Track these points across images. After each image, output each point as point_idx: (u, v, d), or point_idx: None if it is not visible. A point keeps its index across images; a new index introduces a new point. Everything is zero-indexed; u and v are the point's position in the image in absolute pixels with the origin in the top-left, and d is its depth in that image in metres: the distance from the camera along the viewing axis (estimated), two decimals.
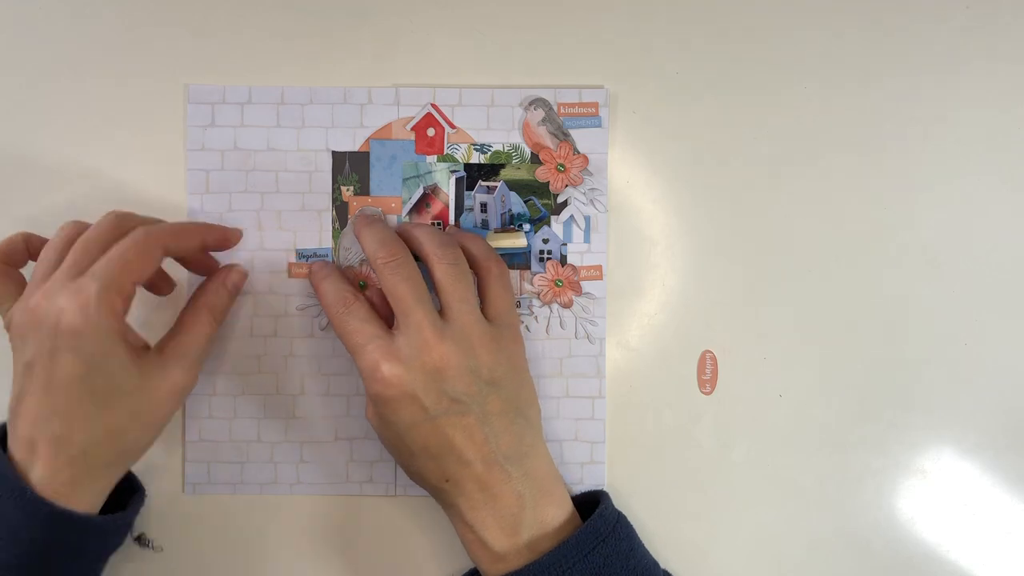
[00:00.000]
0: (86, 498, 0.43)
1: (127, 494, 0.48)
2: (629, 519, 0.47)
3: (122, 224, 0.44)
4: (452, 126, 0.52)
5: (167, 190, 0.52)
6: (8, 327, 0.44)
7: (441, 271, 0.46)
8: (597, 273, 0.52)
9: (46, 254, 0.44)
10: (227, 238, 0.50)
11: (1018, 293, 0.52)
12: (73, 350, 0.41)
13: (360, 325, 0.45)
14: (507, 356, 0.47)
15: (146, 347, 0.45)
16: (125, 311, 0.43)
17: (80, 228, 0.45)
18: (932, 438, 0.52)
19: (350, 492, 0.52)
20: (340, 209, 0.52)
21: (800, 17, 0.52)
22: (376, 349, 0.44)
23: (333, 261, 0.52)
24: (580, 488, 0.52)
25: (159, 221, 0.47)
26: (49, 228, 0.52)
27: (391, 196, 0.52)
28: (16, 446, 0.42)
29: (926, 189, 0.52)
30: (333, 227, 0.52)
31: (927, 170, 0.52)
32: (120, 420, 0.43)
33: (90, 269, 0.42)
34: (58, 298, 0.41)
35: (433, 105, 0.52)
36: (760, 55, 0.52)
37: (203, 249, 0.49)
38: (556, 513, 0.46)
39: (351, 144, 0.52)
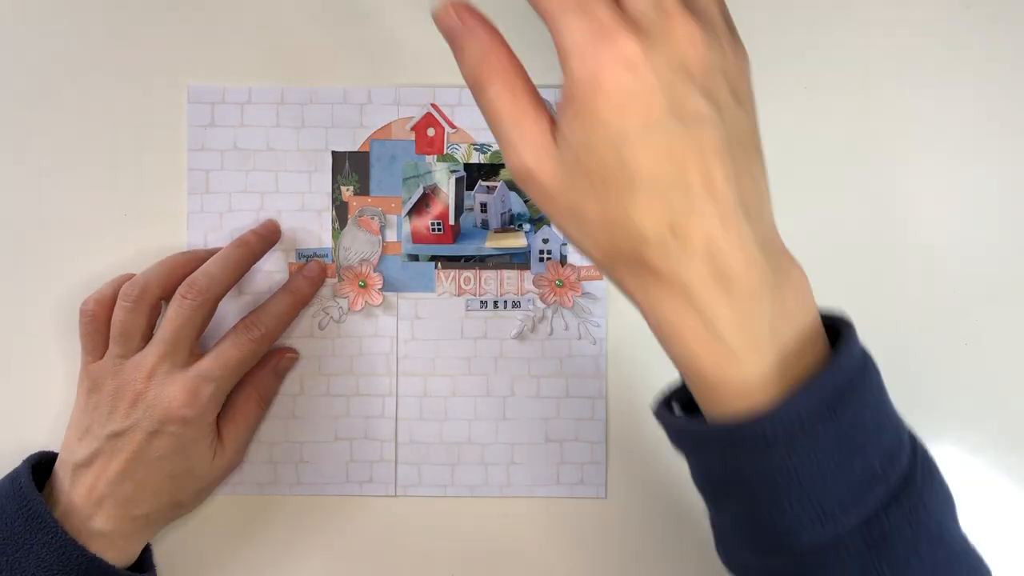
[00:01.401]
0: (132, 550, 0.47)
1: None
2: (630, 519, 0.47)
3: (204, 299, 0.47)
4: (452, 126, 0.52)
5: (167, 190, 0.52)
6: (92, 387, 0.47)
7: None
8: (597, 273, 0.52)
9: (129, 321, 0.47)
10: (272, 241, 0.52)
11: (1018, 293, 0.52)
12: (174, 436, 0.46)
13: None
14: (748, 66, 0.34)
15: (217, 430, 0.49)
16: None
17: (147, 291, 0.47)
18: (932, 438, 0.51)
19: (350, 492, 0.52)
20: (340, 209, 0.52)
21: (799, 17, 0.52)
22: (606, 12, 0.30)
23: (333, 261, 0.52)
24: (580, 488, 0.52)
25: (212, 252, 0.49)
26: (48, 228, 0.52)
27: (391, 196, 0.52)
28: (79, 491, 0.46)
29: (926, 189, 0.52)
30: (333, 227, 0.52)
31: (927, 170, 0.52)
32: (184, 495, 0.48)
33: (207, 368, 0.46)
34: (173, 388, 0.45)
35: (433, 105, 0.52)
36: (759, 55, 0.52)
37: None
38: (795, 301, 0.33)
39: (351, 144, 0.52)
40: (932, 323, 0.52)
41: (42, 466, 0.47)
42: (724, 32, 0.33)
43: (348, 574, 0.52)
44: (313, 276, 0.51)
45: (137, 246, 0.52)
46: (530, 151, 0.32)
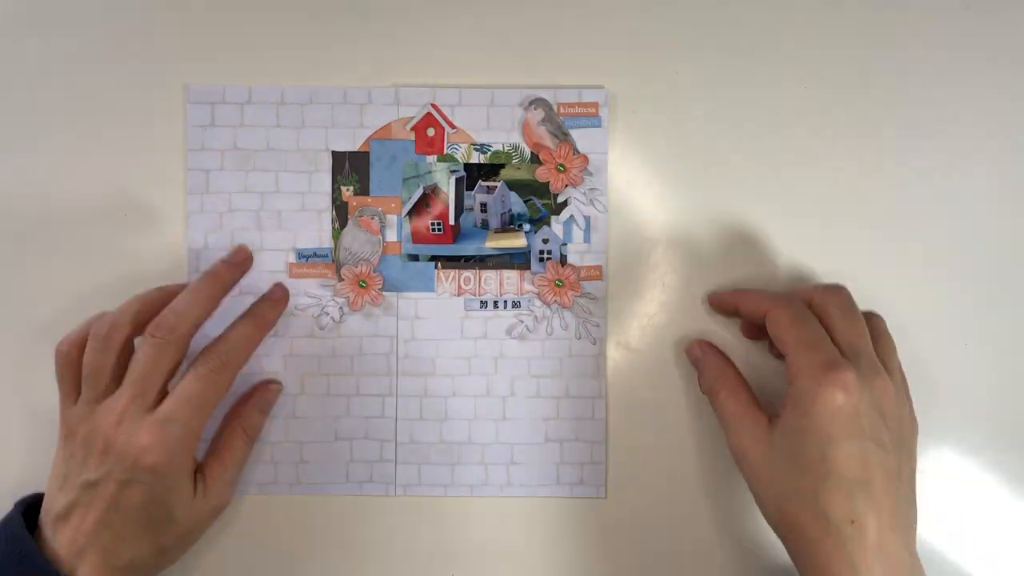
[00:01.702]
0: None
1: None
2: (630, 519, 0.47)
3: (172, 337, 0.45)
4: (452, 126, 0.52)
5: (167, 190, 0.52)
6: (67, 433, 0.46)
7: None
8: (597, 273, 0.52)
9: (98, 362, 0.45)
10: (244, 269, 0.51)
11: (1018, 293, 0.52)
12: (146, 485, 0.44)
13: (818, 334, 0.44)
14: (916, 433, 0.46)
15: (198, 468, 0.47)
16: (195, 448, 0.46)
17: (116, 330, 0.45)
18: (932, 438, 0.51)
19: (350, 492, 0.52)
20: (340, 209, 0.52)
21: (800, 17, 0.52)
22: (834, 351, 0.43)
23: (333, 261, 0.52)
24: (580, 488, 0.52)
25: (180, 287, 0.48)
26: (48, 228, 0.52)
27: (391, 196, 0.52)
28: (61, 542, 0.44)
29: (925, 189, 0.52)
30: (333, 227, 0.52)
31: (927, 170, 0.52)
32: (167, 541, 0.46)
33: (169, 409, 0.44)
34: (139, 434, 0.44)
35: (433, 105, 0.52)
36: (760, 55, 0.52)
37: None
38: None
39: (351, 144, 0.52)
40: (932, 323, 0.52)
41: (34, 507, 0.46)
42: (908, 401, 0.46)
43: (348, 574, 0.52)
44: (277, 299, 0.50)
45: (137, 246, 0.52)
46: (747, 437, 0.45)
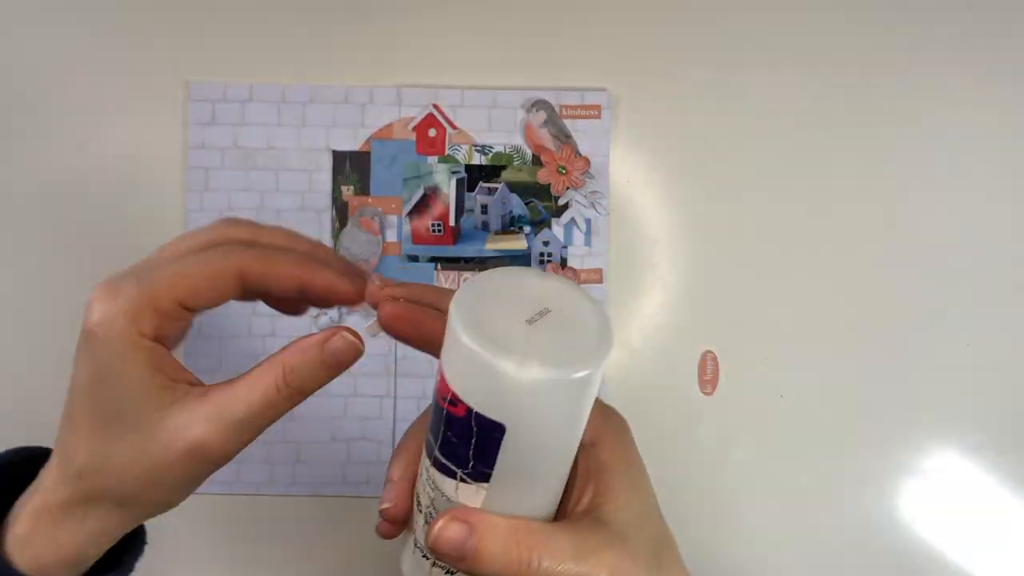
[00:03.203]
0: (70, 536, 0.36)
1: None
2: None
3: (227, 234, 0.38)
4: (453, 127, 0.52)
5: (166, 188, 0.52)
6: None
7: None
8: (597, 276, 0.52)
9: None
10: (337, 291, 0.36)
11: (1018, 293, 0.52)
12: (88, 353, 0.35)
13: None
14: None
15: (190, 383, 0.36)
16: (158, 330, 0.35)
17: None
18: (932, 438, 0.52)
19: (347, 493, 0.52)
20: (340, 209, 0.52)
21: (800, 17, 0.53)
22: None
23: None
24: None
25: (286, 234, 0.39)
26: (48, 226, 0.51)
27: (391, 196, 0.52)
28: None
29: (926, 188, 0.53)
30: (333, 227, 0.52)
31: (927, 169, 0.53)
32: (122, 455, 0.35)
33: (142, 269, 0.36)
34: (95, 292, 0.35)
35: (435, 105, 0.52)
36: (760, 55, 0.53)
37: (300, 295, 0.37)
38: None
39: (352, 144, 0.52)
40: (932, 323, 0.52)
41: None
42: None
43: (345, 574, 0.51)
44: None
45: (136, 244, 0.51)
46: None
